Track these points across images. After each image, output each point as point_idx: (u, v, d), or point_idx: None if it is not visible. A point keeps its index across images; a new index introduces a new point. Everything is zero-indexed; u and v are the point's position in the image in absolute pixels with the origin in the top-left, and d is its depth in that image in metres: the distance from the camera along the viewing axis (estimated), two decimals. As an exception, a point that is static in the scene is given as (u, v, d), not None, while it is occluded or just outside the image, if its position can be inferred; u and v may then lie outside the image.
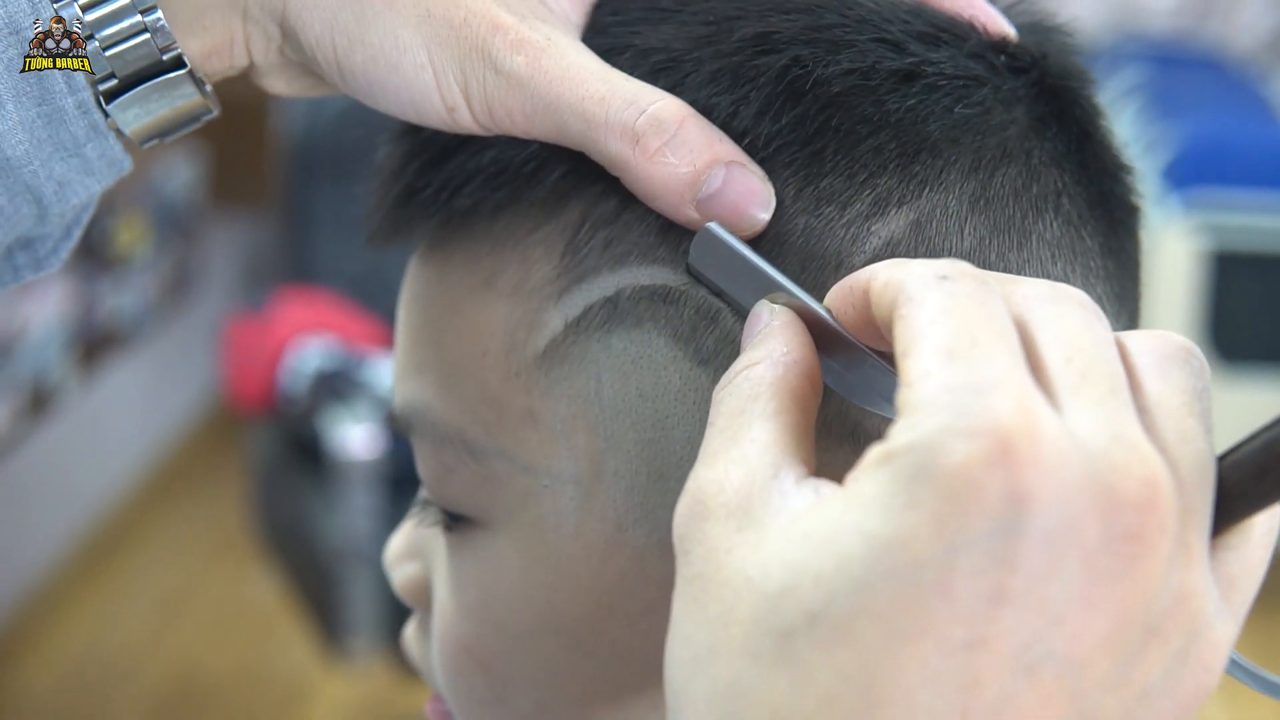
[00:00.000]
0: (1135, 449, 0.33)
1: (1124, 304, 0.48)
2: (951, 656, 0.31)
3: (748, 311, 0.41)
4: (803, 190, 0.42)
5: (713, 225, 0.41)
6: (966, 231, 0.43)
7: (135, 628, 2.99)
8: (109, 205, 2.78)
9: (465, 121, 0.43)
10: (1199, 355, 0.37)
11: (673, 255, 0.43)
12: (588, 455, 0.44)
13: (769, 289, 0.41)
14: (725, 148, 0.42)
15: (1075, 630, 0.32)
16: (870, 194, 0.42)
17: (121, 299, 2.97)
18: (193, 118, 0.45)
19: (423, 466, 0.48)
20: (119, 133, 0.44)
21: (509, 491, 0.46)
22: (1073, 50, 0.48)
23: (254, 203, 3.33)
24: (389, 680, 2.50)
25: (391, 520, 1.99)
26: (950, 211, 0.43)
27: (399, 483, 2.07)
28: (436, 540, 0.51)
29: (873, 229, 0.42)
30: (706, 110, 0.42)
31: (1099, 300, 0.46)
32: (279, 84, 0.47)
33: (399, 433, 0.49)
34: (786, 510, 0.34)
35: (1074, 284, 0.44)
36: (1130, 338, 0.37)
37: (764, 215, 0.41)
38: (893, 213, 0.42)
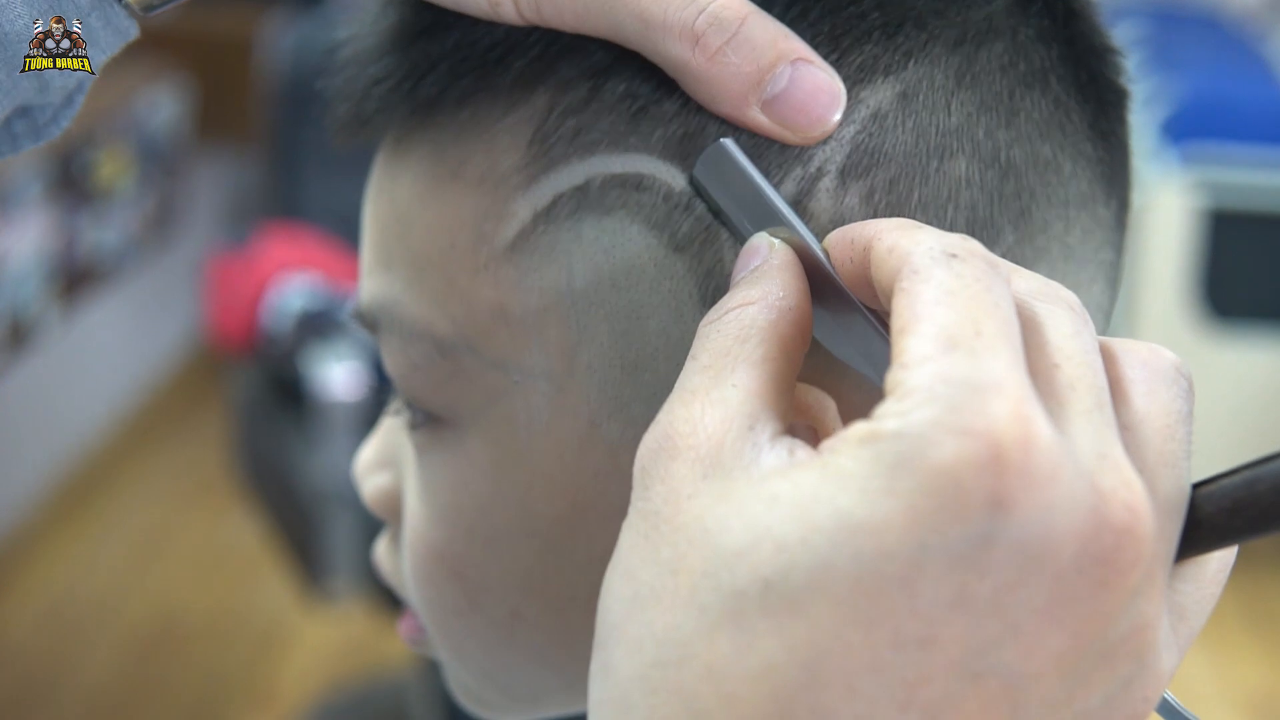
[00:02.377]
0: (1120, 471, 0.32)
1: (1113, 188, 0.47)
2: (902, 651, 0.31)
3: (742, 235, 0.40)
4: None
5: (726, 141, 0.40)
6: (954, 107, 0.42)
7: (114, 568, 2.99)
8: (91, 137, 2.76)
9: (508, 15, 0.41)
10: (1187, 375, 0.36)
11: (644, 143, 0.41)
12: (559, 349, 0.43)
13: (771, 221, 0.39)
14: (791, 45, 0.40)
15: (1030, 645, 0.31)
16: (856, 59, 0.41)
17: (103, 233, 2.94)
18: None
19: (390, 363, 0.47)
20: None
21: (478, 388, 0.44)
22: None
23: (239, 138, 3.32)
24: (369, 623, 2.51)
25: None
26: (937, 85, 0.42)
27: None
28: (407, 449, 0.49)
29: (860, 96, 0.41)
30: None
31: (1089, 184, 0.45)
32: None
33: (366, 329, 0.48)
34: (757, 466, 0.34)
35: (1062, 165, 0.44)
36: (1122, 347, 0.36)
37: (835, 115, 0.40)
38: (879, 81, 0.41)
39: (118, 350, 3.39)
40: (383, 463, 0.53)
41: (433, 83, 0.44)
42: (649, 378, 0.42)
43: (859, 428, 0.32)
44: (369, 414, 2.05)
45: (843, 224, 0.40)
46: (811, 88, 0.40)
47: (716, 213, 0.41)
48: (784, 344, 0.37)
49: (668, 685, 0.33)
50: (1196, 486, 0.36)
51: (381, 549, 0.55)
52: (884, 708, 0.31)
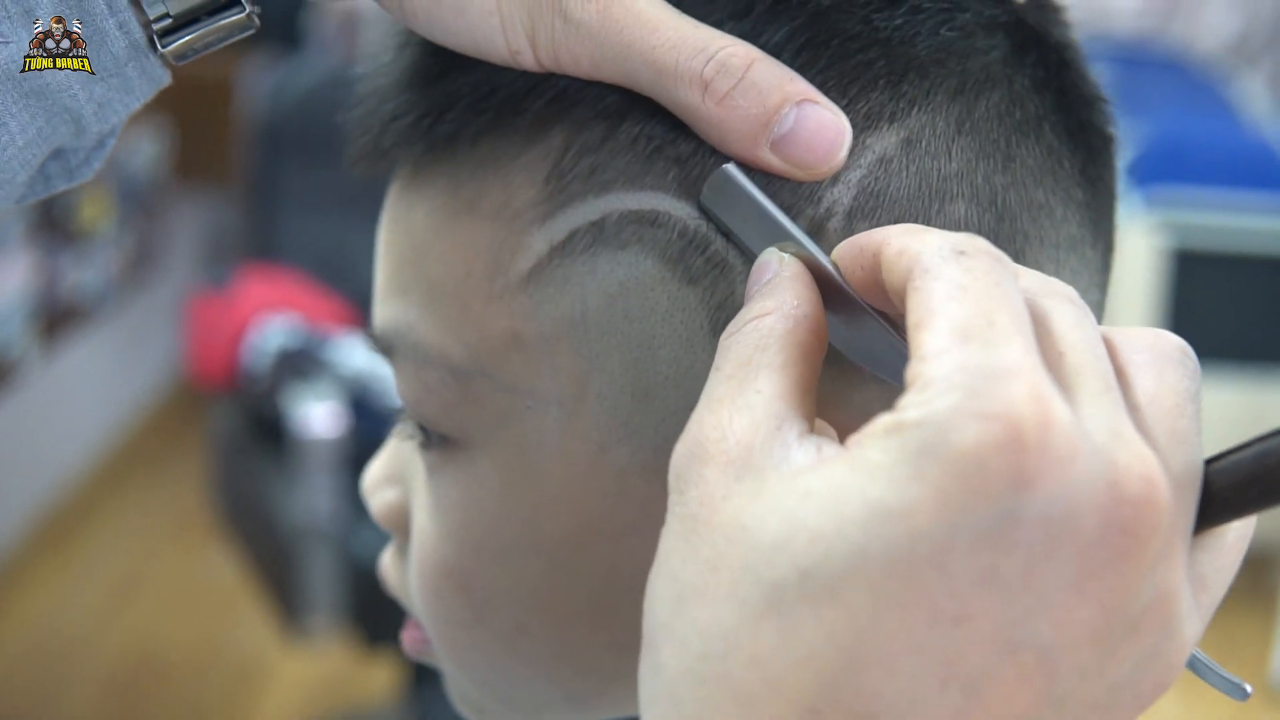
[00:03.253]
0: (1133, 446, 0.33)
1: (1099, 232, 0.48)
2: (938, 629, 0.32)
3: (754, 256, 0.41)
4: None
5: (729, 167, 0.41)
6: (954, 153, 0.43)
7: (93, 604, 2.97)
8: (73, 179, 2.76)
9: (528, 64, 0.43)
10: (1193, 357, 0.38)
11: (659, 182, 0.43)
12: (571, 376, 0.44)
13: (779, 237, 0.41)
14: (797, 86, 0.41)
15: (1061, 617, 0.33)
16: (863, 106, 0.43)
17: (84, 273, 2.95)
18: (231, 34, 0.44)
19: (403, 388, 0.48)
20: (154, 46, 0.43)
21: (491, 411, 0.46)
22: None
23: (218, 179, 3.31)
24: (347, 659, 2.50)
25: (352, 499, 1.99)
26: (938, 132, 0.43)
27: (360, 462, 2.06)
28: (416, 463, 0.51)
29: (866, 142, 0.42)
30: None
31: (1078, 227, 0.47)
32: None
33: (380, 354, 0.49)
34: (788, 464, 0.35)
35: (1054, 209, 0.46)
36: (1125, 335, 0.38)
37: (841, 151, 0.41)
38: (884, 128, 0.43)
39: (98, 389, 3.38)
40: (391, 478, 0.54)
41: (451, 120, 0.45)
42: (659, 405, 0.43)
43: (883, 420, 0.33)
44: (348, 452, 2.06)
45: None
46: (817, 126, 0.41)
47: (727, 234, 0.42)
48: (802, 349, 0.38)
49: (714, 676, 0.34)
50: (1208, 463, 0.36)
51: (387, 561, 0.56)
52: (925, 684, 0.32)
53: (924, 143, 0.43)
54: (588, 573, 0.46)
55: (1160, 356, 0.37)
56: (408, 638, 0.55)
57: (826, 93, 0.42)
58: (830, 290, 0.40)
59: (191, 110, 3.14)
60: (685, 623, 0.35)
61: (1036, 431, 0.32)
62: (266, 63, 2.81)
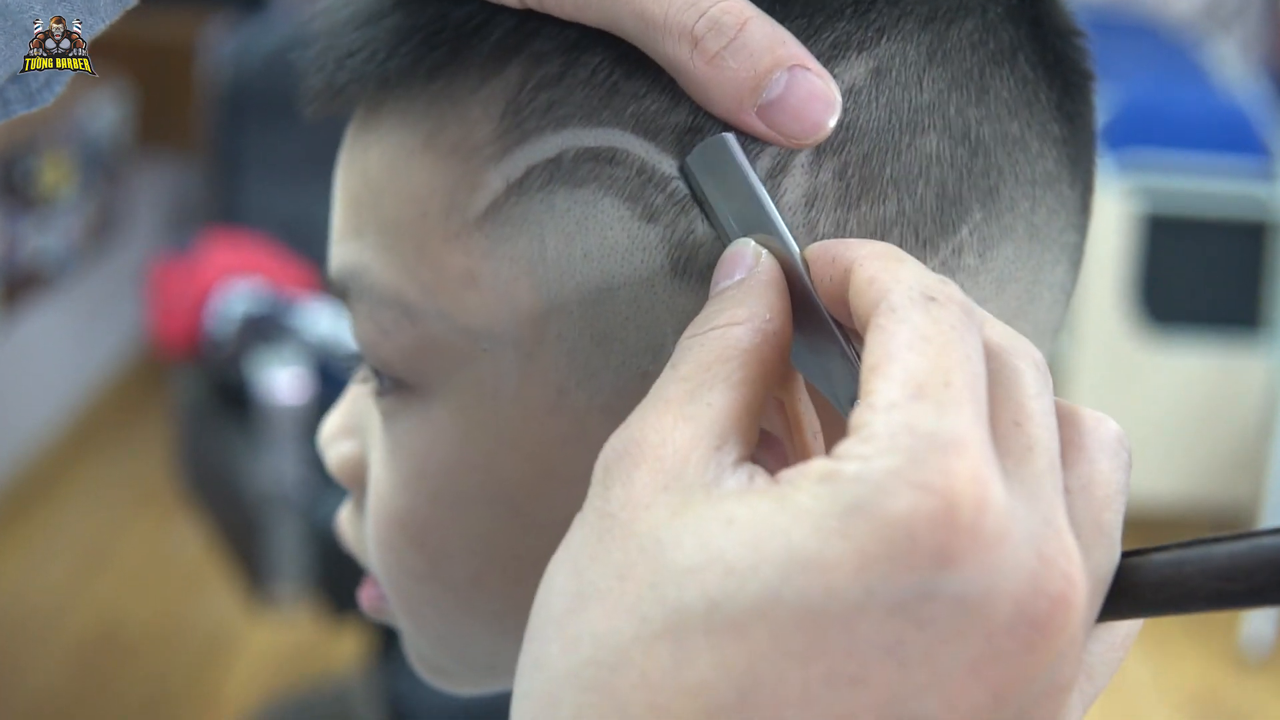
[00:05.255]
0: (1061, 539, 0.33)
1: (1077, 170, 0.47)
2: (833, 687, 0.32)
3: (725, 232, 0.40)
4: None
5: (729, 136, 0.40)
6: (925, 83, 0.42)
7: (58, 575, 2.97)
8: (32, 144, 2.74)
9: (511, 0, 0.42)
10: (1129, 449, 0.38)
11: (616, 118, 0.42)
12: (529, 318, 0.43)
13: (759, 226, 0.40)
14: (789, 50, 0.40)
15: (953, 697, 0.32)
16: (830, 35, 0.42)
17: (45, 240, 2.92)
18: None
19: (358, 330, 0.47)
20: None
21: (447, 354, 0.45)
22: None
23: (181, 144, 3.30)
24: (314, 629, 2.50)
25: (319, 467, 1.99)
26: (909, 61, 0.42)
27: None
28: (373, 416, 0.50)
29: (835, 73, 0.41)
30: None
31: (1055, 164, 0.46)
32: None
33: (335, 297, 0.48)
34: (718, 487, 0.34)
35: (1030, 143, 0.45)
36: (1071, 413, 0.37)
37: (830, 121, 0.40)
38: (853, 57, 0.42)
39: (60, 356, 3.36)
40: (348, 430, 0.53)
41: (406, 54, 0.44)
42: (618, 347, 0.42)
43: (819, 465, 0.33)
44: (313, 418, 2.05)
45: (816, 200, 0.41)
46: (806, 95, 0.40)
47: (701, 202, 0.41)
48: (763, 368, 0.37)
49: (600, 686, 0.33)
50: (1125, 555, 0.36)
51: (344, 517, 0.55)
52: None
53: (894, 72, 0.42)
54: (545, 521, 0.45)
55: (1099, 443, 0.37)
56: (365, 595, 0.54)
57: (789, 25, 0.41)
58: (796, 294, 0.39)
59: (154, 73, 3.12)
60: (580, 624, 0.34)
61: (971, 512, 0.31)
62: (229, 25, 2.78)
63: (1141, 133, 3.00)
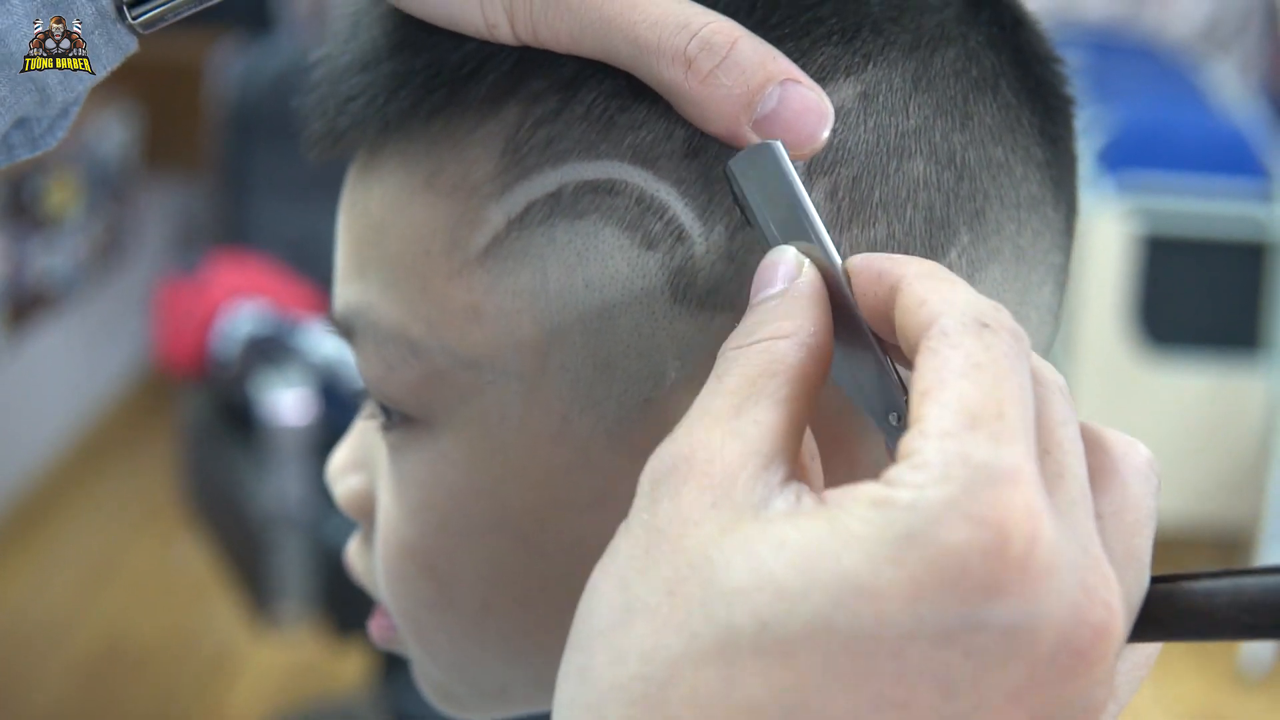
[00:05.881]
0: (1100, 568, 0.34)
1: (1060, 193, 0.48)
2: (880, 713, 0.32)
3: (765, 237, 0.40)
4: None
5: (777, 144, 0.40)
6: (911, 109, 0.43)
7: (64, 592, 2.96)
8: (40, 164, 2.75)
9: (504, 37, 0.42)
10: (1158, 474, 0.38)
11: (614, 150, 0.42)
12: (532, 349, 0.44)
13: (801, 235, 0.40)
14: (780, 65, 0.41)
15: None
16: (818, 59, 0.43)
17: (52, 260, 2.93)
18: (201, 2, 0.43)
19: (364, 368, 0.48)
20: (122, 15, 0.42)
21: (451, 388, 0.45)
22: None
23: (188, 165, 3.29)
24: (317, 647, 2.50)
25: (322, 487, 1.97)
26: (895, 87, 0.43)
27: (330, 449, 2.05)
28: (380, 448, 0.50)
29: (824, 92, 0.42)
30: None
31: (1039, 186, 0.47)
32: None
33: (341, 336, 0.49)
34: (767, 508, 0.34)
35: (1014, 167, 0.46)
36: (1100, 438, 0.37)
37: (823, 133, 0.41)
38: (841, 80, 0.43)
39: (67, 376, 3.36)
40: (356, 464, 0.54)
41: (405, 97, 0.45)
42: (620, 375, 0.43)
43: (871, 490, 0.33)
44: (318, 439, 2.06)
45: None
46: (800, 107, 0.40)
47: (743, 206, 0.41)
48: (807, 384, 0.37)
49: (648, 701, 0.33)
50: (1154, 581, 0.37)
51: (353, 550, 0.56)
52: None
53: (881, 98, 0.43)
54: (553, 548, 0.46)
55: (1131, 468, 0.37)
56: (375, 626, 0.54)
57: (780, 45, 0.42)
58: (837, 306, 0.39)
59: (161, 95, 3.12)
60: (628, 637, 0.34)
61: (1023, 545, 0.32)
62: (236, 46, 2.79)
63: (1140, 154, 2.99)
